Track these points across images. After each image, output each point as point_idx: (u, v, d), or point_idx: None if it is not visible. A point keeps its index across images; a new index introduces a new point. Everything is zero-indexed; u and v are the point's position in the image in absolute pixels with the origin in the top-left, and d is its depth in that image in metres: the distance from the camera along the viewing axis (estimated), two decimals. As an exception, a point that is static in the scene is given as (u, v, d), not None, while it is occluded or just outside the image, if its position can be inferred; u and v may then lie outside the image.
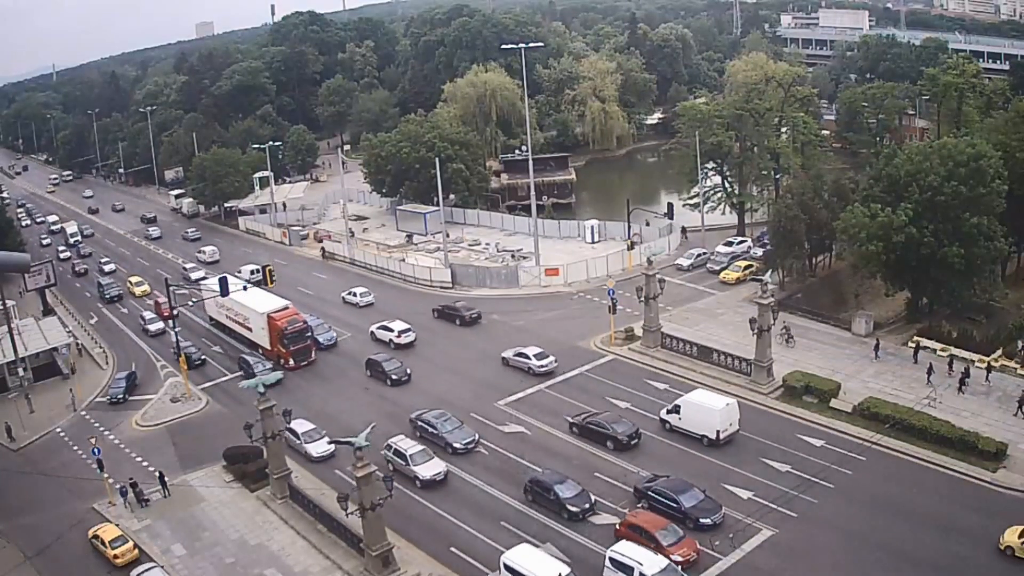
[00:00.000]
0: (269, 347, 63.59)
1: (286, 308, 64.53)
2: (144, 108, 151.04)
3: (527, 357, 57.88)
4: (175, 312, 64.40)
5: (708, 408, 47.09)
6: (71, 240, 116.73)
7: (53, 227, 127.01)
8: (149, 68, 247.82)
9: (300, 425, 50.83)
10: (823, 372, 52.23)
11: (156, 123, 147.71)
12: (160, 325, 73.47)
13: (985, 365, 51.23)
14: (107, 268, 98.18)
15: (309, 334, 63.86)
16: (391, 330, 64.92)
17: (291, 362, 61.67)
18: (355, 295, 75.70)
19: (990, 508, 39.03)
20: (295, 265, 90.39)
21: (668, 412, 48.84)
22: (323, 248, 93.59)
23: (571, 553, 38.65)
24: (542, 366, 57.03)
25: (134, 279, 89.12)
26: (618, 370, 56.93)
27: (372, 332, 66.25)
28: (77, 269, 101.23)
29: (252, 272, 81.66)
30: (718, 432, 46.23)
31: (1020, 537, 35.77)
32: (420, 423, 50.28)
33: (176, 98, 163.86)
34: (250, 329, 66.15)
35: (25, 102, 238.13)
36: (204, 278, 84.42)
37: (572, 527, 40.55)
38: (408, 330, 64.91)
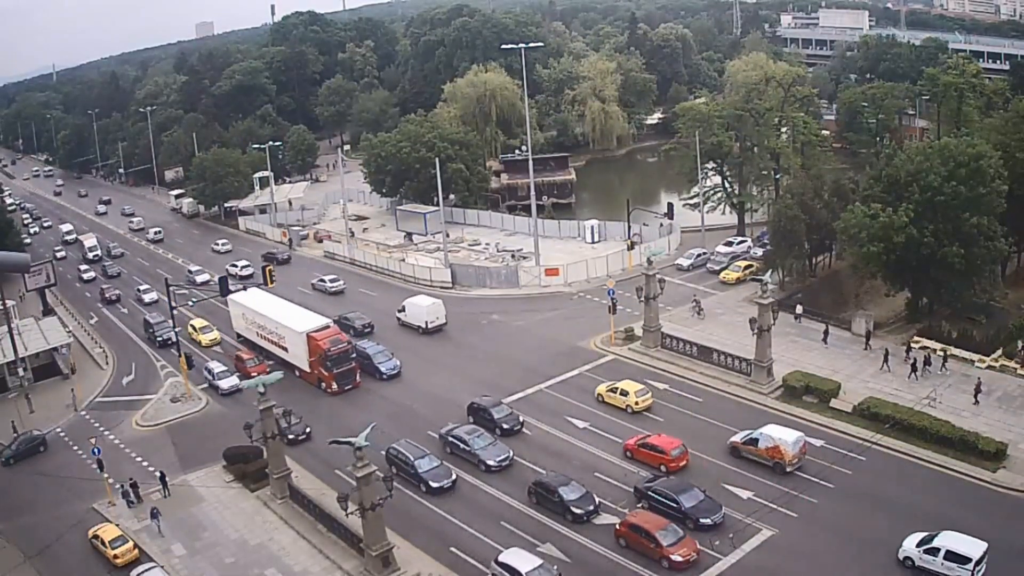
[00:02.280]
0: (308, 370, 58.52)
1: (327, 327, 59.40)
2: (144, 108, 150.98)
3: (324, 281, 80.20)
4: (268, 370, 54.78)
5: (419, 306, 67.34)
6: (90, 255, 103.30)
7: (67, 237, 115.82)
8: (149, 68, 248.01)
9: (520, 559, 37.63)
10: (823, 372, 52.24)
11: (156, 123, 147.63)
12: (234, 382, 59.12)
13: (942, 353, 52.37)
14: (147, 296, 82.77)
15: (354, 355, 58.47)
16: (236, 266, 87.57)
17: (334, 386, 57.10)
18: (218, 244, 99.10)
19: (990, 508, 39.04)
20: (295, 265, 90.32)
21: (399, 312, 68.86)
22: (288, 239, 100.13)
23: (572, 554, 38.75)
24: (333, 287, 79.11)
25: (197, 323, 70.96)
26: (618, 370, 56.80)
27: (226, 269, 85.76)
28: (108, 295, 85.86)
29: (132, 213, 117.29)
30: (426, 322, 66.34)
31: (607, 389, 51.97)
32: (451, 439, 48.05)
33: (176, 98, 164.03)
34: (285, 349, 60.80)
35: (25, 102, 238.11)
36: (208, 281, 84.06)
37: (574, 528, 40.52)
38: (248, 266, 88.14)
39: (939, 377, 50.93)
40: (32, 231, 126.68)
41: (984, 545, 34.76)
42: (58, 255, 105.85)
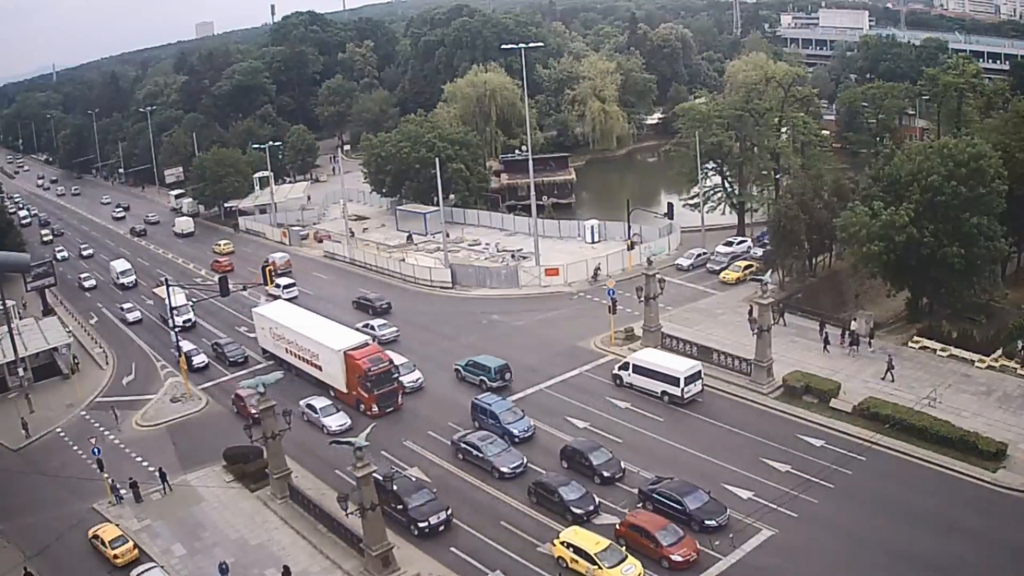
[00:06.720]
0: (345, 390, 54.77)
1: (366, 344, 55.69)
2: (144, 108, 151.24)
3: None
4: None
5: (179, 222, 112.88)
6: (183, 320, 69.01)
7: (123, 280, 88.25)
8: (149, 68, 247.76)
9: None
10: (823, 372, 52.20)
11: (156, 123, 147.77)
12: None
13: (868, 333, 55.84)
14: (334, 423, 52.04)
15: (396, 375, 54.56)
16: (119, 208, 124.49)
17: (374, 408, 52.99)
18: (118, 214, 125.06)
19: (990, 508, 39.05)
20: (296, 265, 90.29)
21: (172, 227, 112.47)
22: (235, 224, 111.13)
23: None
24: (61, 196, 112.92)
25: None
26: (618, 370, 56.82)
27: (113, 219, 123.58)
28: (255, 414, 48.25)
29: (53, 182, 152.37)
30: (182, 230, 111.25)
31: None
32: (464, 445, 47.14)
33: (176, 98, 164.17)
34: (319, 367, 56.99)
35: (25, 102, 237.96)
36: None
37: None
38: (123, 212, 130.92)
39: (865, 358, 53.91)
40: (60, 254, 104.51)
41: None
42: (129, 316, 77.02)
